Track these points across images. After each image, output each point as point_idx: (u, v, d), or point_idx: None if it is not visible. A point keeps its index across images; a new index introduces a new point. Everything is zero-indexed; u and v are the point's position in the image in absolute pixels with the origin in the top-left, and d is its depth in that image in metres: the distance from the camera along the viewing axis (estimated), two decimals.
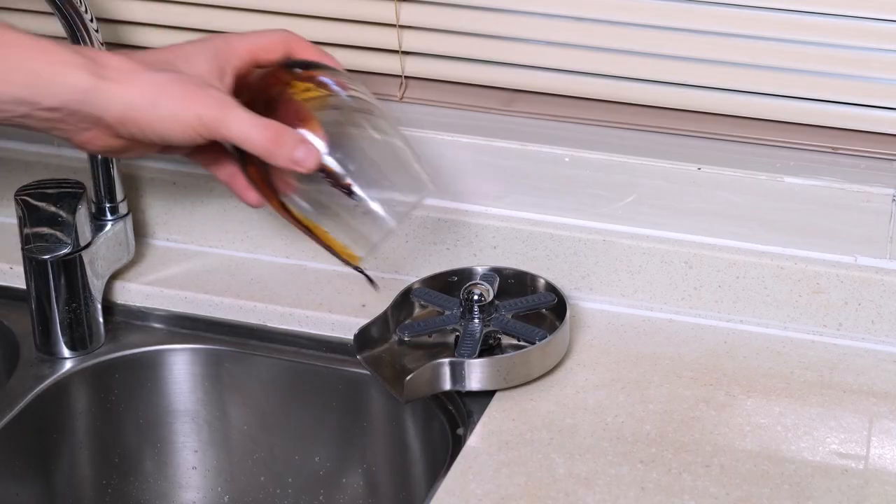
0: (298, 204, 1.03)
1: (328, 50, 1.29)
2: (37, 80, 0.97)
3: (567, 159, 1.21)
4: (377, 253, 1.05)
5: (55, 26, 1.18)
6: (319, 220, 1.03)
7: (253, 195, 1.05)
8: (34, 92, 0.97)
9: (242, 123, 0.99)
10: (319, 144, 1.00)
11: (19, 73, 0.97)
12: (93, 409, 1.24)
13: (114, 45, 1.33)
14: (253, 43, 1.06)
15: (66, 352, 1.23)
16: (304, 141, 1.00)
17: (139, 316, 1.27)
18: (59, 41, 1.00)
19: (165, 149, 1.03)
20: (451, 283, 1.20)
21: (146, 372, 1.25)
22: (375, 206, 1.01)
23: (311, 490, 1.26)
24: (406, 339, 1.15)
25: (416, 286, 1.19)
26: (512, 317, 1.16)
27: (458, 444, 1.09)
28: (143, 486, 1.28)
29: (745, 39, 1.18)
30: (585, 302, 1.23)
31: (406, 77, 1.28)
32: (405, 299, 1.19)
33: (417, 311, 1.20)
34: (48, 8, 1.16)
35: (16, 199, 1.20)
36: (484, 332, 1.14)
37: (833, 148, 1.20)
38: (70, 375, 1.22)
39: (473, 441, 1.08)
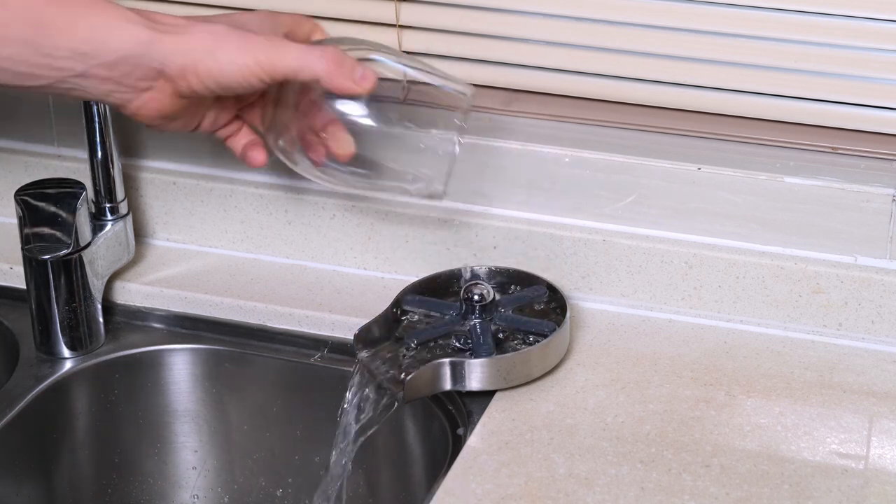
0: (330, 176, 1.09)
1: None
2: (95, 34, 0.98)
3: (567, 159, 1.21)
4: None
5: None
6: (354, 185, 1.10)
7: (261, 155, 1.09)
8: (93, 47, 0.98)
9: (301, 53, 1.02)
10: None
11: (77, 27, 0.97)
12: (93, 409, 1.24)
13: None
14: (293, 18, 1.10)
15: (66, 352, 1.23)
16: (360, 63, 1.03)
17: (139, 316, 1.27)
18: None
19: (215, 112, 1.06)
20: (444, 285, 1.20)
21: (146, 372, 1.25)
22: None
23: (311, 490, 1.26)
24: (415, 345, 1.14)
25: (409, 296, 1.19)
26: (513, 312, 1.16)
27: (458, 444, 1.09)
28: (143, 486, 1.28)
29: (745, 39, 1.18)
30: (585, 302, 1.23)
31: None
32: (405, 299, 1.19)
33: (417, 311, 1.20)
34: None
35: (16, 199, 1.20)
36: (492, 329, 1.15)
37: (833, 148, 1.20)
38: (70, 375, 1.22)
39: (473, 441, 1.08)
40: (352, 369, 1.13)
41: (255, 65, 1.01)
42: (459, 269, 1.21)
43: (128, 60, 0.99)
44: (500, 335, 1.16)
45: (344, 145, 1.07)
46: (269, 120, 1.08)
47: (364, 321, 1.17)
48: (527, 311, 1.19)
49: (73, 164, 1.31)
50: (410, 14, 1.25)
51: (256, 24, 1.06)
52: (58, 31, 0.98)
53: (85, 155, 1.23)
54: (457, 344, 1.15)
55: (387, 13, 1.25)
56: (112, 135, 1.22)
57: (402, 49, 1.26)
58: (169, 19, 1.01)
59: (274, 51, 1.01)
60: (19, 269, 1.25)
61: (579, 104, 1.25)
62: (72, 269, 1.20)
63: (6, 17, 0.97)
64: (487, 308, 1.15)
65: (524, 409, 1.11)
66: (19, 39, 0.97)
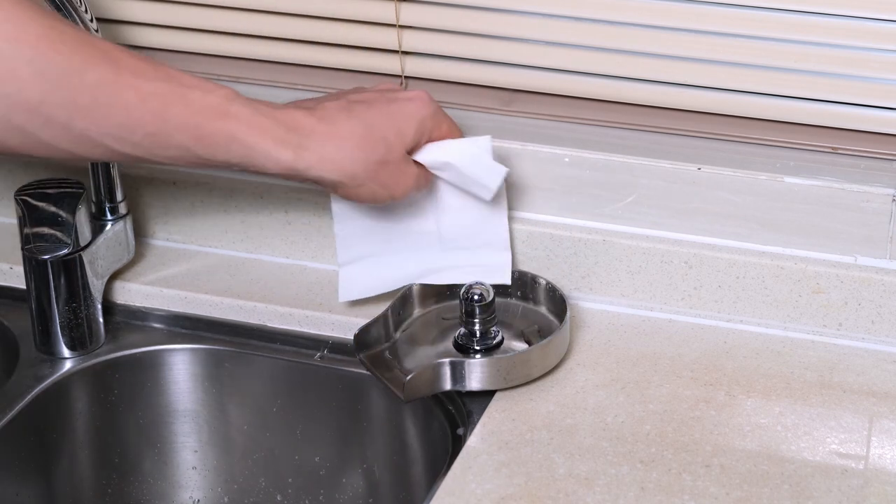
0: None
1: (328, 50, 1.30)
2: (248, 155, 1.05)
3: (567, 159, 1.21)
4: None
5: None
6: None
7: None
8: (246, 165, 1.06)
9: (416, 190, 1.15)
10: None
11: (232, 146, 1.04)
12: (93, 409, 1.24)
13: None
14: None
15: (66, 352, 1.23)
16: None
17: (139, 316, 1.27)
18: (262, 103, 1.06)
19: None
20: (444, 285, 1.20)
21: (146, 372, 1.25)
22: None
23: (311, 490, 1.26)
24: (414, 345, 1.15)
25: (409, 296, 1.19)
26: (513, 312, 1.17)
27: (458, 444, 1.09)
28: (143, 486, 1.28)
29: (745, 39, 1.18)
30: (585, 302, 1.23)
31: (406, 77, 1.28)
32: (405, 299, 1.19)
33: (417, 311, 1.20)
34: (48, 8, 1.16)
35: (16, 199, 1.20)
36: (492, 329, 1.15)
37: (833, 148, 1.20)
38: (70, 375, 1.22)
39: (473, 441, 1.08)
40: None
41: (391, 199, 1.12)
42: None
43: (280, 178, 1.09)
44: (500, 335, 1.16)
45: None
46: None
47: (364, 321, 1.17)
48: (527, 312, 1.19)
49: (73, 165, 1.31)
50: (410, 14, 1.25)
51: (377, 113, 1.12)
52: (215, 146, 1.03)
53: None
54: (457, 344, 1.15)
55: (387, 13, 1.25)
56: None
57: (402, 49, 1.27)
58: (308, 125, 1.07)
59: (404, 191, 1.12)
60: (19, 269, 1.25)
61: (579, 104, 1.25)
62: (72, 269, 1.20)
63: (168, 128, 1.01)
64: (487, 308, 1.15)
65: (524, 409, 1.11)
66: (181, 146, 1.03)
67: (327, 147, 1.07)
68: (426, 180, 1.14)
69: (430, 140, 1.14)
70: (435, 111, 1.13)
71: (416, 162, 1.13)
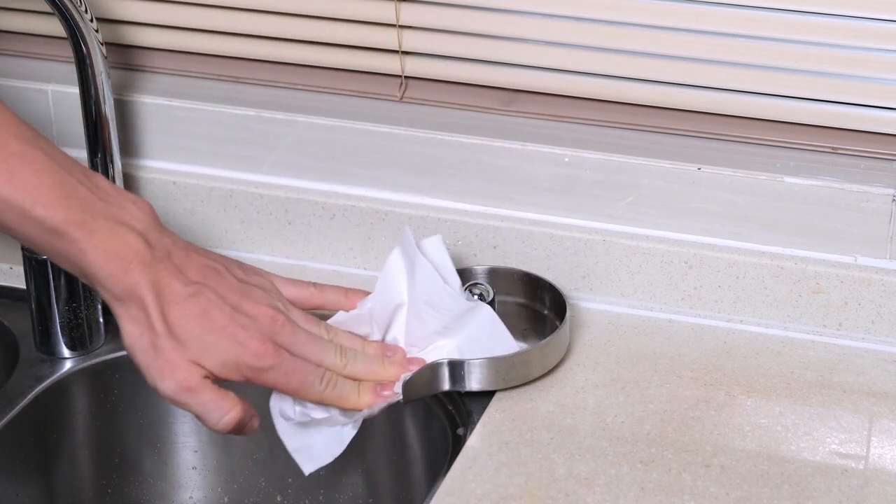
0: None
1: (328, 49, 1.30)
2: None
3: (567, 159, 1.21)
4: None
5: (55, 26, 1.18)
6: None
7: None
8: (97, 285, 0.99)
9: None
10: None
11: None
12: (93, 409, 1.24)
13: (114, 45, 1.33)
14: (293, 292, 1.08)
15: (65, 352, 1.23)
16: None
17: None
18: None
19: None
20: None
21: None
22: None
23: (311, 490, 1.26)
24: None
25: None
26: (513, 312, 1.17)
27: (458, 444, 1.09)
28: (143, 486, 1.28)
29: (745, 39, 1.18)
30: (585, 302, 1.23)
31: (406, 77, 1.28)
32: None
33: None
34: (48, 8, 1.16)
35: None
36: None
37: (833, 148, 1.20)
38: (70, 375, 1.22)
39: (473, 441, 1.08)
40: None
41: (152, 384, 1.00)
42: (460, 270, 1.21)
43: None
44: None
45: None
46: None
47: None
48: (527, 311, 1.19)
49: None
50: (410, 14, 1.25)
51: None
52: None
53: (85, 155, 1.23)
54: None
55: (387, 13, 1.25)
56: (112, 135, 1.22)
57: (402, 49, 1.27)
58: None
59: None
60: (19, 269, 1.25)
61: (579, 104, 1.25)
62: None
63: None
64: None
65: (524, 409, 1.11)
66: None
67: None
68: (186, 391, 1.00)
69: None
70: (286, 332, 1.02)
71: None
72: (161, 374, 0.99)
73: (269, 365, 1.00)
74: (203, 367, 0.99)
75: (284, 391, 1.03)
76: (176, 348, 0.98)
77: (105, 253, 0.97)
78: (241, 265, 1.05)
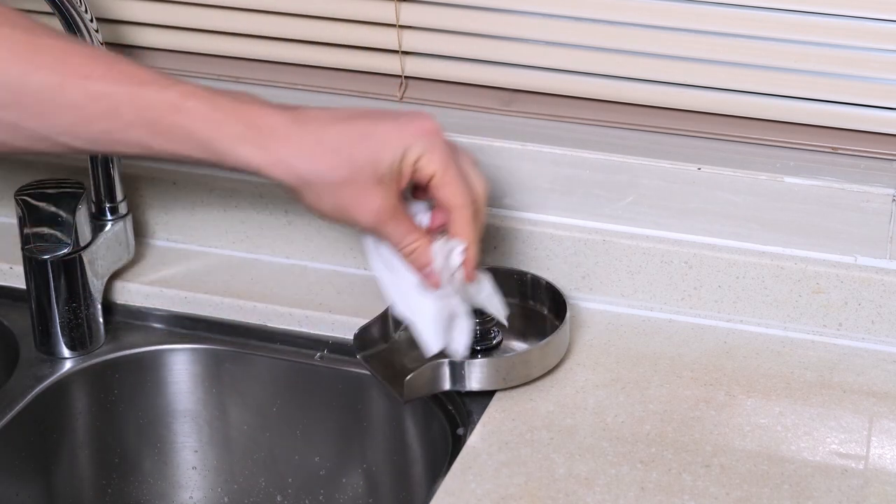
0: None
1: (328, 50, 1.30)
2: (209, 149, 1.01)
3: (567, 159, 1.21)
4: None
5: (55, 26, 1.18)
6: None
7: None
8: (210, 159, 1.02)
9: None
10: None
11: (191, 140, 1.01)
12: (93, 409, 1.24)
13: (114, 46, 1.33)
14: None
15: (66, 352, 1.23)
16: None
17: (139, 316, 1.27)
18: (227, 99, 1.02)
19: None
20: None
21: (146, 372, 1.25)
22: None
23: (311, 490, 1.26)
24: (414, 345, 1.15)
25: None
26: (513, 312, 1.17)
27: (458, 444, 1.09)
28: (143, 486, 1.28)
29: (745, 39, 1.18)
30: (585, 302, 1.23)
31: (406, 77, 1.28)
32: None
33: None
34: (48, 8, 1.16)
35: (16, 199, 1.20)
36: (488, 329, 1.15)
37: (833, 148, 1.20)
38: (70, 375, 1.22)
39: (473, 441, 1.08)
40: None
41: (346, 221, 1.04)
42: None
43: (247, 173, 1.03)
44: (500, 335, 1.16)
45: None
46: None
47: (364, 321, 1.17)
48: (527, 311, 1.19)
49: (73, 164, 1.31)
50: (410, 14, 1.25)
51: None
52: (174, 141, 1.01)
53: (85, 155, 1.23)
54: None
55: (387, 13, 1.25)
56: None
57: (402, 49, 1.27)
58: (275, 122, 1.02)
59: (365, 219, 1.04)
60: (19, 269, 1.25)
61: (579, 104, 1.25)
62: (72, 269, 1.20)
63: (122, 124, 1.00)
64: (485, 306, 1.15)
65: (524, 409, 1.11)
66: (139, 142, 1.02)
67: (287, 150, 1.02)
68: (391, 217, 1.03)
69: (417, 172, 1.03)
70: (426, 142, 1.02)
71: (397, 195, 1.04)
72: (356, 209, 1.03)
73: (436, 141, 1.02)
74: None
75: (438, 193, 1.04)
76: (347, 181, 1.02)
77: (231, 110, 1.01)
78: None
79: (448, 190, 1.04)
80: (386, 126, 1.02)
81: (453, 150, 1.04)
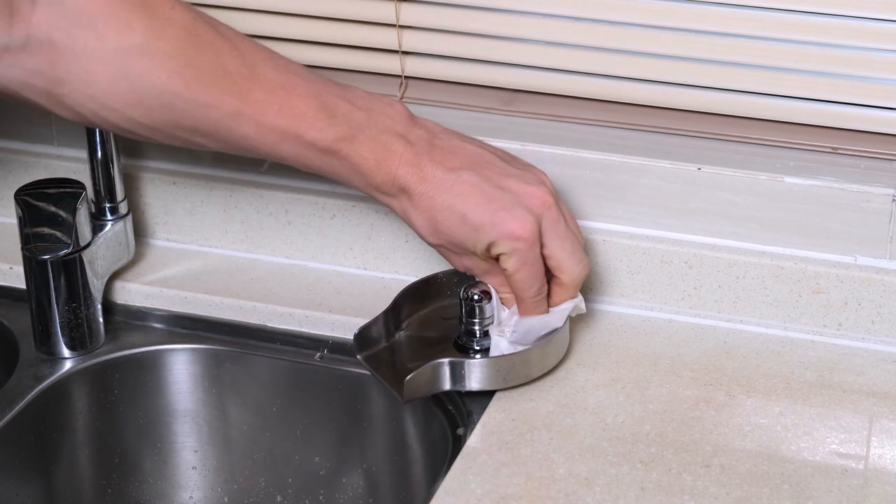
0: None
1: (328, 49, 1.30)
2: (350, 182, 1.10)
3: (567, 159, 1.21)
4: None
5: None
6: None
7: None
8: (369, 189, 1.10)
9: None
10: None
11: (334, 175, 1.09)
12: (93, 409, 1.24)
13: None
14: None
15: (66, 352, 1.23)
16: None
17: (139, 316, 1.27)
18: (380, 153, 1.08)
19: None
20: (444, 285, 1.20)
21: (146, 372, 1.25)
22: None
23: (311, 490, 1.26)
24: (414, 345, 1.15)
25: (409, 296, 1.19)
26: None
27: (458, 444, 1.09)
28: (143, 486, 1.28)
29: (745, 39, 1.18)
30: (585, 302, 1.23)
31: (406, 77, 1.28)
32: (405, 299, 1.19)
33: (417, 311, 1.20)
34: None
35: (16, 199, 1.20)
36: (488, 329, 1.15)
37: (833, 148, 1.20)
38: (70, 375, 1.22)
39: (473, 441, 1.08)
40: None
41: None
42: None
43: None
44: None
45: None
46: None
47: (364, 321, 1.17)
48: None
49: (73, 164, 1.31)
50: (410, 14, 1.25)
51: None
52: (318, 171, 1.09)
53: (85, 155, 1.23)
54: (457, 344, 1.15)
55: (387, 13, 1.25)
56: (112, 135, 1.22)
57: (402, 49, 1.27)
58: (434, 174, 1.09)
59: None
60: (19, 269, 1.25)
61: (579, 104, 1.25)
62: (72, 269, 1.20)
63: (278, 155, 1.08)
64: (486, 308, 1.15)
65: (524, 410, 1.11)
66: (287, 161, 1.09)
67: (420, 207, 1.09)
68: (482, 273, 1.13)
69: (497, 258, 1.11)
70: (510, 246, 1.09)
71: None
72: (449, 259, 1.13)
73: (519, 248, 1.08)
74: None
75: (509, 281, 1.10)
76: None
77: (375, 162, 1.07)
78: (512, 156, 1.15)
79: (514, 285, 1.11)
80: (483, 213, 1.08)
81: (557, 233, 1.10)
